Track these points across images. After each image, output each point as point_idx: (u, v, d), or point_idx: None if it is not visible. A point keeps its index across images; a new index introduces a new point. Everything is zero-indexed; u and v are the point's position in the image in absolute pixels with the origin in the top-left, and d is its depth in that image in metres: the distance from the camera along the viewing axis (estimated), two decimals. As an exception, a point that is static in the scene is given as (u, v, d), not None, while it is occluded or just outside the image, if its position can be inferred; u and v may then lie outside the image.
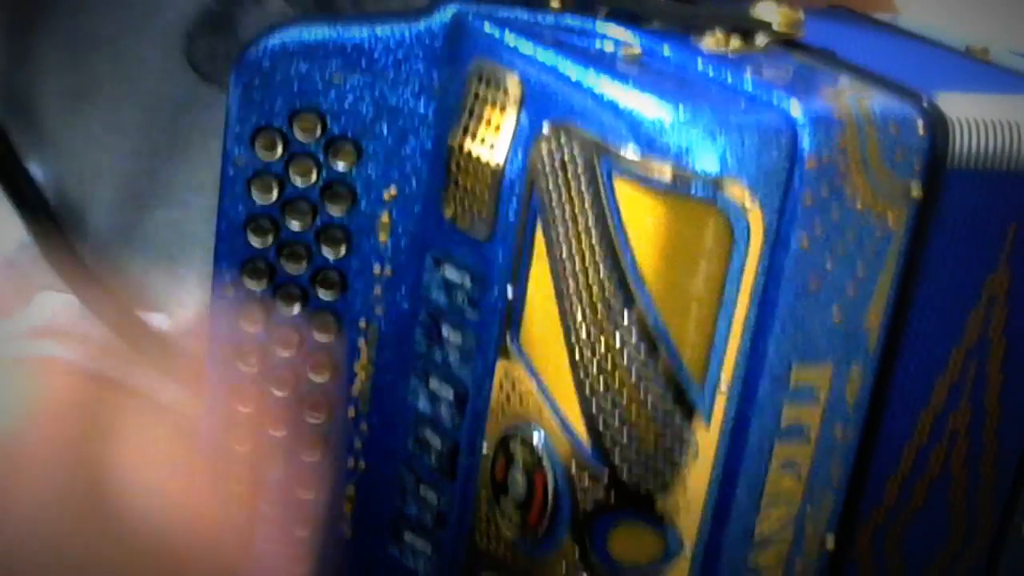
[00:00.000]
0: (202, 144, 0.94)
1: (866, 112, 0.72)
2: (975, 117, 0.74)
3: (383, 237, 0.87)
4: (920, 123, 0.73)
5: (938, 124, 0.73)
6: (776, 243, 0.72)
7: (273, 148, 0.85)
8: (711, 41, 0.79)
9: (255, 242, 0.86)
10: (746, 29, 0.80)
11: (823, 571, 0.80)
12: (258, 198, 0.86)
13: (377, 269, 0.87)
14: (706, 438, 0.75)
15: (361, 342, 0.88)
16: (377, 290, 0.88)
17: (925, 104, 0.73)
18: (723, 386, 0.74)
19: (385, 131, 0.85)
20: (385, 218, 0.87)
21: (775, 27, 0.80)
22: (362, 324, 0.88)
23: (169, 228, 0.96)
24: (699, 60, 0.78)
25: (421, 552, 0.88)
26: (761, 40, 0.80)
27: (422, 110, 0.85)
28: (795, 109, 0.71)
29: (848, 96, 0.73)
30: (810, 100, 0.72)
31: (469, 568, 0.84)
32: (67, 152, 0.95)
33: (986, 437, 0.80)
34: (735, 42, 0.79)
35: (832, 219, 0.72)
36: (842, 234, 0.72)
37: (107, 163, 0.95)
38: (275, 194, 0.86)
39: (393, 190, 0.86)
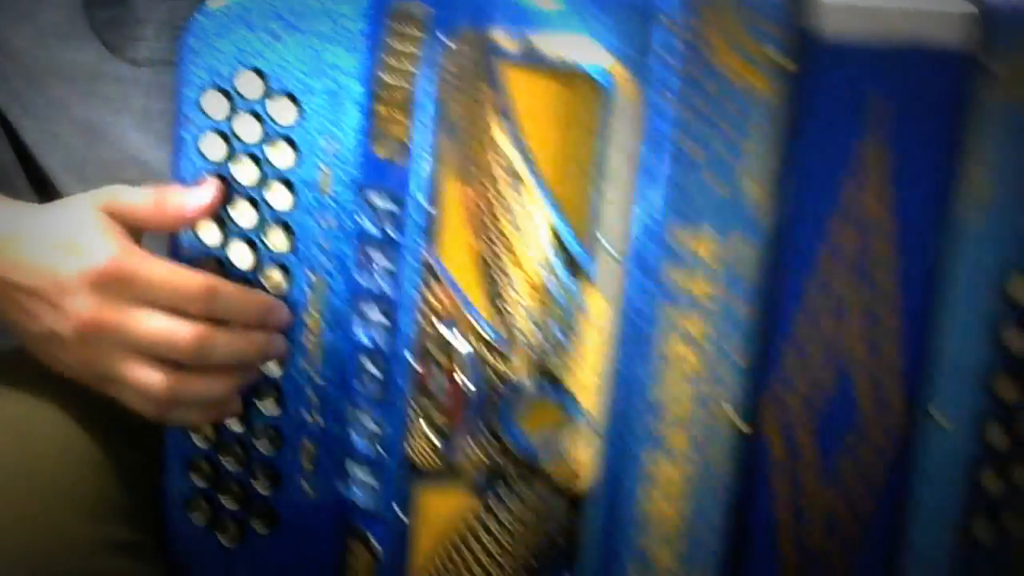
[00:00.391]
0: (113, 122, 1.01)
1: (727, -17, 0.78)
2: (842, -4, 0.80)
3: (325, 188, 0.93)
4: (784, -3, 0.78)
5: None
6: (650, 110, 0.77)
7: (220, 108, 0.92)
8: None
9: (207, 198, 0.93)
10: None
11: (733, 449, 0.82)
12: (208, 156, 0.93)
13: (321, 221, 0.93)
14: (596, 300, 0.79)
15: (309, 294, 0.94)
16: (322, 241, 0.94)
17: (787, -19, 0.79)
18: (608, 248, 0.78)
19: (321, 86, 0.92)
20: (326, 169, 0.93)
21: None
22: (309, 275, 0.94)
23: None
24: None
25: (364, 483, 0.91)
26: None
27: (354, 62, 0.92)
28: (665, -13, 0.77)
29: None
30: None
31: (407, 486, 0.87)
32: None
33: (881, 312, 0.83)
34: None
35: (703, 88, 0.77)
36: (713, 102, 0.78)
37: (46, 129, 1.02)
38: (223, 152, 0.93)
39: (332, 142, 0.93)
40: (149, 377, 0.90)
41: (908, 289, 0.84)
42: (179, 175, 0.93)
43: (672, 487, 0.81)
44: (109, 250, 0.89)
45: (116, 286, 0.89)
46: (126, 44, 0.97)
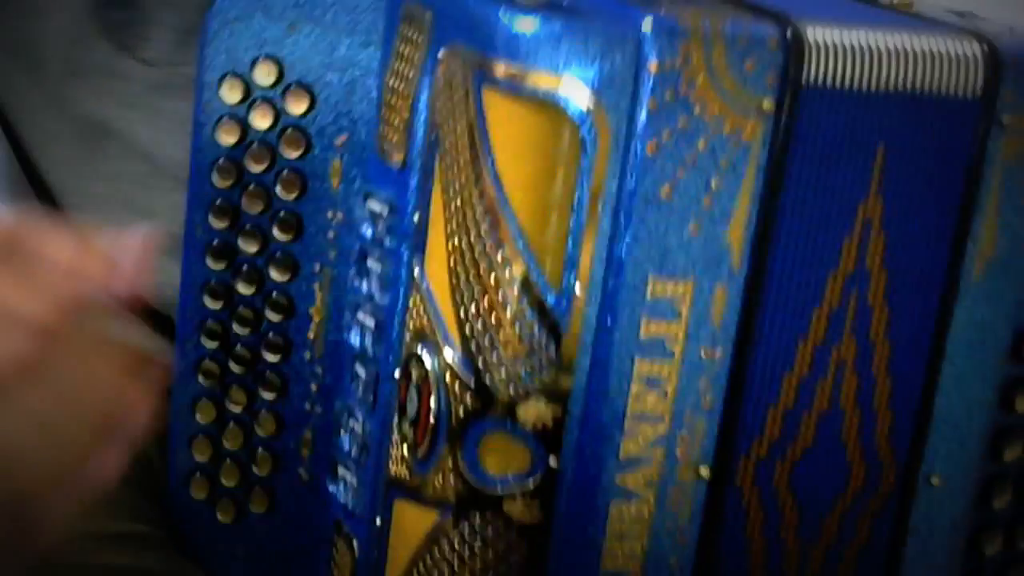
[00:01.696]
0: (121, 116, 1.00)
1: (716, 26, 0.74)
2: (839, 41, 0.75)
3: (335, 182, 0.92)
4: (773, 40, 0.74)
5: (794, 43, 0.74)
6: (624, 149, 0.74)
7: (236, 93, 0.91)
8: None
9: (220, 183, 0.92)
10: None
11: (701, 502, 0.79)
12: (223, 142, 0.92)
13: (330, 214, 0.92)
14: (565, 346, 0.76)
15: (316, 286, 0.93)
16: (331, 235, 0.92)
17: (784, 26, 0.74)
18: (579, 293, 0.75)
19: (336, 80, 0.91)
20: (337, 163, 0.92)
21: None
22: (316, 268, 0.93)
23: (107, 198, 1.01)
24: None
25: (348, 482, 0.90)
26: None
27: (369, 59, 0.90)
28: (643, 21, 0.74)
29: (703, 14, 0.75)
30: (660, 14, 0.74)
31: (385, 496, 0.86)
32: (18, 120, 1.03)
33: (877, 374, 0.79)
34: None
35: (679, 127, 0.74)
36: (691, 143, 0.74)
37: (45, 127, 1.01)
38: (238, 137, 0.92)
39: (344, 136, 0.91)
40: None
41: (898, 342, 0.80)
42: (194, 160, 0.93)
43: (634, 536, 0.79)
44: None
45: None
46: (137, 44, 0.97)
